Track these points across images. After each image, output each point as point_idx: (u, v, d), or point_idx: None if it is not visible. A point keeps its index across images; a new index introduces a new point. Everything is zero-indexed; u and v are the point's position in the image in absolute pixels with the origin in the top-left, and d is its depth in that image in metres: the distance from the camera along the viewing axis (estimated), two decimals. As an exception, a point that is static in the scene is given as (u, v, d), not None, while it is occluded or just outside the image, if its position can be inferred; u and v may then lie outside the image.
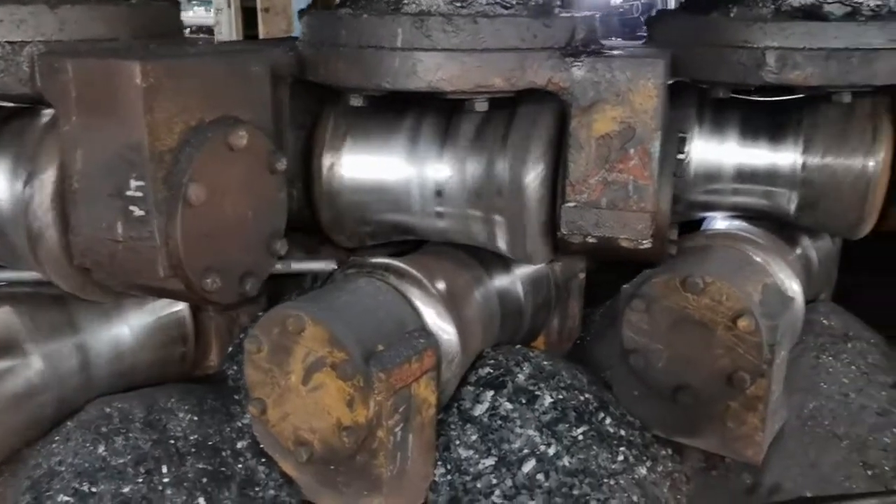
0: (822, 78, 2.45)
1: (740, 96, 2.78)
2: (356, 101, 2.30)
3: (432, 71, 2.12)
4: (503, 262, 2.66)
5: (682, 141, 2.47)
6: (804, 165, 2.70)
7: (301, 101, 2.49)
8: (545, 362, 2.61)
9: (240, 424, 2.37)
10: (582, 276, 3.05)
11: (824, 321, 2.99)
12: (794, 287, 2.67)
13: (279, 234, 2.21)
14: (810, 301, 3.18)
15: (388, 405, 2.06)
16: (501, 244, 2.45)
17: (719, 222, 3.03)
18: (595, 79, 2.14)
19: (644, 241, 2.26)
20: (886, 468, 2.55)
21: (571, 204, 2.26)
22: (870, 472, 2.54)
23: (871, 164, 2.61)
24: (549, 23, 2.15)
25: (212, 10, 10.27)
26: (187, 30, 9.97)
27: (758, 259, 2.66)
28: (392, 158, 2.46)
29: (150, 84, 1.79)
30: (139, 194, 1.84)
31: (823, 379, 2.76)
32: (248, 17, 9.25)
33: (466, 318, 2.46)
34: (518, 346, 2.67)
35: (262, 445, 2.31)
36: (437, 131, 2.43)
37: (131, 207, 1.85)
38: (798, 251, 2.97)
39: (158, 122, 1.82)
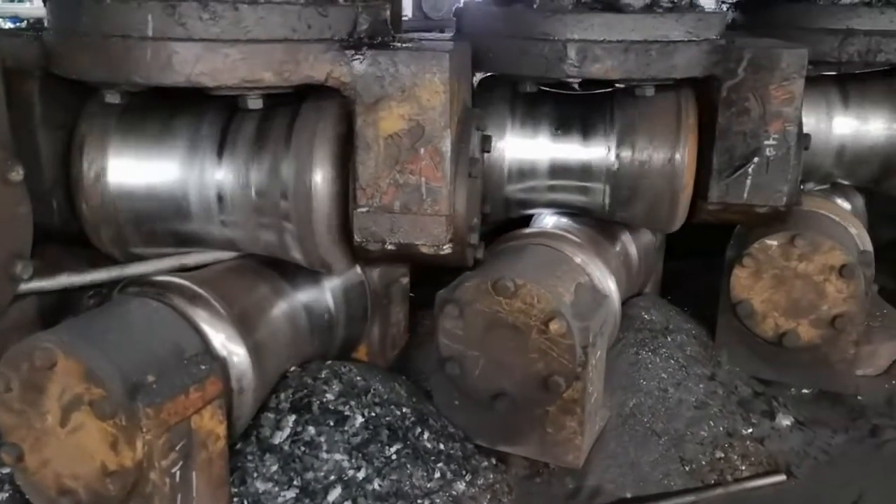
0: (622, 71, 2.40)
1: (552, 90, 2.71)
2: (112, 98, 2.04)
3: (190, 63, 1.88)
4: (310, 273, 2.46)
5: (487, 140, 2.36)
6: (615, 160, 2.66)
7: (57, 97, 2.20)
8: (358, 378, 2.44)
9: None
10: (405, 280, 2.90)
11: (645, 315, 2.97)
12: (609, 285, 2.62)
13: (22, 254, 1.92)
14: (635, 295, 3.19)
15: (161, 444, 1.85)
16: (295, 254, 2.25)
17: (547, 219, 2.96)
18: (378, 73, 1.98)
19: (444, 247, 2.12)
20: (703, 462, 2.55)
21: (364, 209, 2.09)
22: (687, 468, 2.53)
23: (676, 157, 2.59)
24: (324, 11, 1.96)
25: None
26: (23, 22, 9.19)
27: (573, 257, 2.59)
28: (166, 162, 2.20)
29: None
30: None
31: (643, 375, 2.74)
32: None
33: (264, 338, 2.24)
34: (329, 362, 2.48)
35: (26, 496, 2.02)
36: (216, 131, 2.20)
37: None
38: (617, 247, 2.94)
39: None
